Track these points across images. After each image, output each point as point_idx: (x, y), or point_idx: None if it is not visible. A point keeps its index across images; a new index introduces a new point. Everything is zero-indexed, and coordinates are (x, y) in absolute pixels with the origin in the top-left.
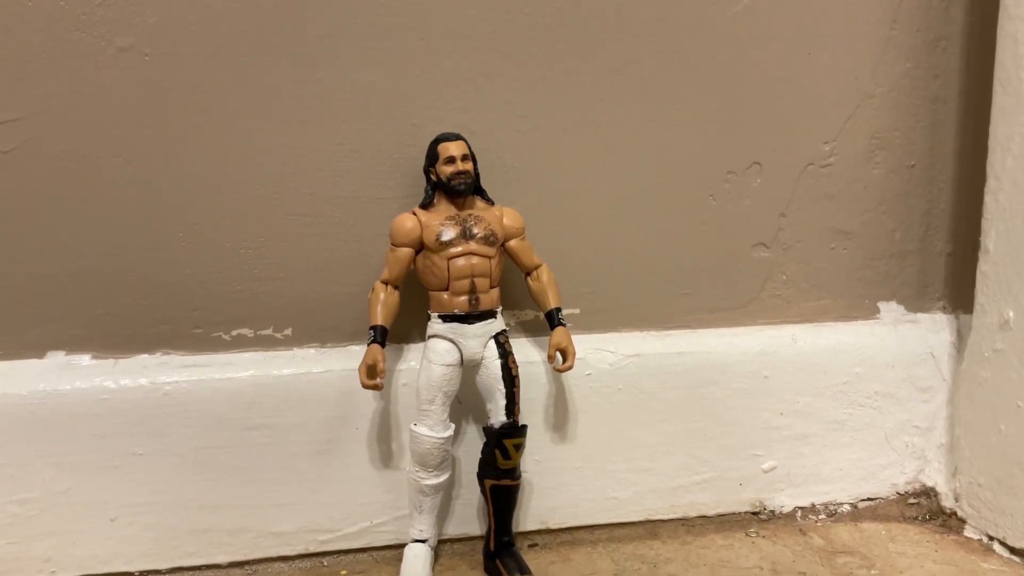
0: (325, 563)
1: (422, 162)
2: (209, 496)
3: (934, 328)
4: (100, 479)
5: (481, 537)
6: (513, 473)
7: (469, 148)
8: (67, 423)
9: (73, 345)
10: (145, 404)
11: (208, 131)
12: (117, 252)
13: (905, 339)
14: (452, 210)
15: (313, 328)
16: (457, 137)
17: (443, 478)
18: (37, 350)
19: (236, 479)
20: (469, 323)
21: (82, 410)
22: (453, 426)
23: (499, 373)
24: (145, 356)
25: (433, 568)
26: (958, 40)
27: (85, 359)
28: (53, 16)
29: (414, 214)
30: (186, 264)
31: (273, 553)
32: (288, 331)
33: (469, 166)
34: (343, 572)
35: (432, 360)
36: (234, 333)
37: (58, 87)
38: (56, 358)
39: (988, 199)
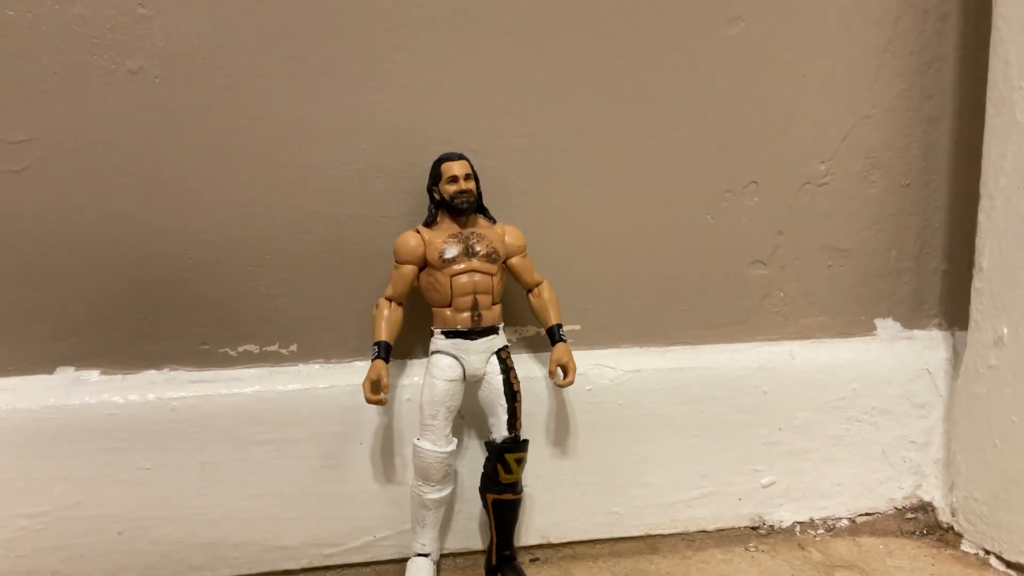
0: None
1: (425, 181)
2: (215, 510)
3: (930, 344)
4: (108, 493)
5: (483, 551)
6: (515, 487)
7: (472, 167)
8: (76, 438)
9: (82, 361)
10: (152, 419)
11: (215, 151)
12: (126, 270)
13: (901, 355)
14: (455, 228)
15: (318, 344)
16: (460, 156)
17: (446, 492)
18: (47, 366)
19: (241, 493)
20: (471, 339)
21: (90, 425)
22: (456, 441)
23: (501, 388)
24: (152, 372)
25: None
26: (951, 62)
27: (94, 375)
28: (65, 39)
29: (418, 232)
30: (193, 281)
31: (278, 567)
32: (293, 347)
33: (472, 185)
34: None
35: (435, 375)
36: (240, 349)
37: (69, 108)
38: (66, 374)
39: (982, 217)
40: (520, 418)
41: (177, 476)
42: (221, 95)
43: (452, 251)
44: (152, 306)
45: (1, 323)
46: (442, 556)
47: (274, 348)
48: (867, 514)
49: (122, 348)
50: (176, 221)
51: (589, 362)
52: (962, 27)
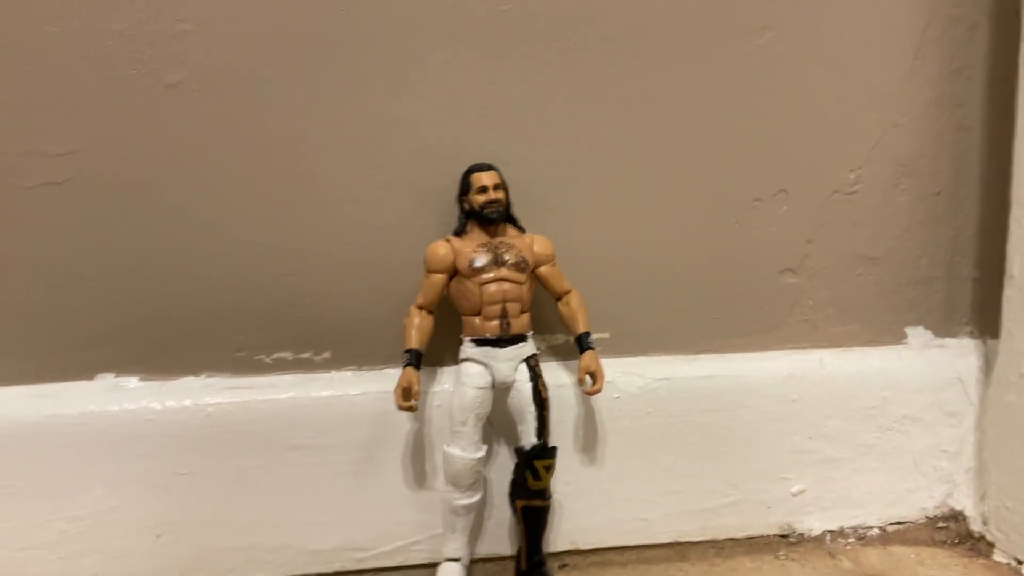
0: None
1: (455, 191)
2: (250, 514)
3: (961, 353)
4: (146, 497)
5: (513, 557)
6: (544, 494)
7: (501, 177)
8: (115, 443)
9: (121, 368)
10: (189, 425)
11: (251, 164)
12: (164, 279)
13: (932, 364)
14: (484, 238)
15: (351, 352)
16: (489, 167)
17: (475, 498)
18: (87, 372)
19: (276, 498)
20: (500, 347)
21: (129, 430)
22: (485, 447)
23: (530, 396)
24: (190, 378)
25: None
26: (981, 69)
27: (133, 381)
28: (105, 55)
29: (448, 241)
30: (230, 290)
31: (311, 570)
32: (327, 354)
33: (501, 195)
34: None
35: (465, 383)
36: (275, 356)
37: (109, 122)
38: (105, 380)
39: (1013, 226)
40: (549, 425)
41: (213, 481)
42: (256, 108)
43: (481, 260)
44: (189, 314)
45: (43, 330)
46: (472, 561)
47: (308, 355)
48: (898, 523)
49: (160, 355)
50: (213, 231)
51: (617, 370)
52: (992, 35)
